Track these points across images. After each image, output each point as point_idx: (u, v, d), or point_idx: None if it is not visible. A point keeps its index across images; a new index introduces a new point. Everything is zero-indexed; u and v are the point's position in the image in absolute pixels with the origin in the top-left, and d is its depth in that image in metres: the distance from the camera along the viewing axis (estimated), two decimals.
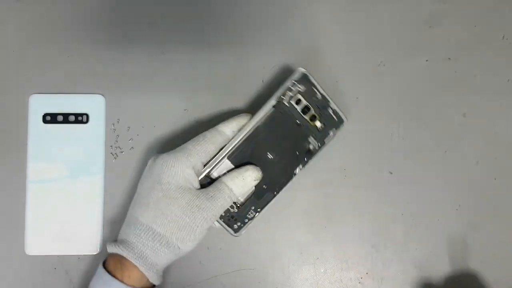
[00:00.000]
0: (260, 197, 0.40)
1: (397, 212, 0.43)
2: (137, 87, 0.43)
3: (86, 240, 0.41)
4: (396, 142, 0.44)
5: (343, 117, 0.40)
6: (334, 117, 0.40)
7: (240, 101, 0.43)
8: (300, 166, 0.40)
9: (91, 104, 0.42)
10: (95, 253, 0.42)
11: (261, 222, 0.43)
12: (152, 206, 0.34)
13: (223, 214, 0.39)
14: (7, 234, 0.42)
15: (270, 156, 0.40)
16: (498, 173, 0.44)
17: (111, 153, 0.43)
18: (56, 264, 0.42)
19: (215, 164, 0.38)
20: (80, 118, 0.42)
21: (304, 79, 0.39)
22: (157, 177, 0.35)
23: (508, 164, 0.44)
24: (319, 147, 0.40)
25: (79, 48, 0.43)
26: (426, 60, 0.45)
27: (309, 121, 0.40)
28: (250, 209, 0.40)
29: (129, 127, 0.43)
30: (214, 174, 0.38)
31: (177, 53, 0.43)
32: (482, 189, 0.44)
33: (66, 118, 0.42)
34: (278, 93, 0.39)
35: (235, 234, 0.40)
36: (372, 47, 0.44)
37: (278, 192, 0.40)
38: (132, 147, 0.43)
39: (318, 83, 0.39)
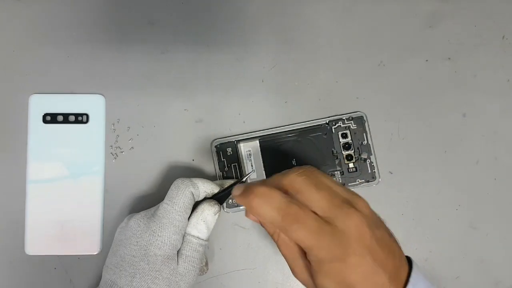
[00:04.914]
0: None
1: (397, 212, 0.43)
2: (137, 87, 0.43)
3: (86, 240, 0.41)
4: (396, 142, 0.44)
5: (377, 175, 0.42)
6: (369, 169, 0.41)
7: (240, 101, 0.43)
8: None
9: (91, 104, 0.42)
10: (95, 253, 0.41)
11: None
12: (138, 279, 0.34)
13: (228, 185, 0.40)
14: (7, 234, 0.42)
15: (294, 162, 0.41)
16: (498, 173, 0.44)
17: (111, 153, 0.43)
18: (56, 264, 0.42)
19: (247, 140, 0.41)
20: (80, 118, 0.42)
21: (360, 121, 0.41)
22: (145, 248, 0.34)
23: (508, 164, 0.44)
24: None
25: (79, 48, 0.43)
26: (426, 60, 0.45)
27: (344, 158, 0.41)
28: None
29: (129, 127, 0.43)
30: (241, 145, 0.41)
31: (177, 53, 0.43)
32: (482, 189, 0.44)
33: (66, 118, 0.42)
34: (332, 117, 0.42)
35: (225, 209, 0.41)
36: (372, 47, 0.44)
37: None
38: (132, 147, 0.43)
39: (370, 132, 0.41)
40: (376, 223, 0.29)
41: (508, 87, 0.45)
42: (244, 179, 0.40)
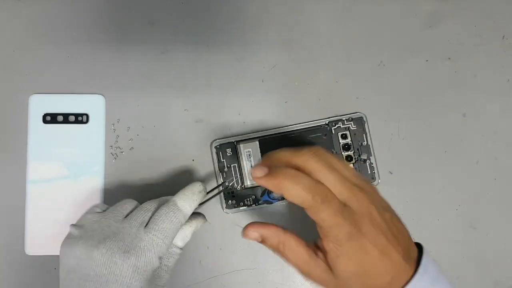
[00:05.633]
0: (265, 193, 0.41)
1: (397, 212, 0.43)
2: (137, 87, 0.43)
3: None
4: (396, 142, 0.44)
5: (376, 176, 0.42)
6: (369, 170, 0.42)
7: (240, 101, 0.43)
8: None
9: (91, 104, 0.42)
10: None
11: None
12: None
13: (227, 185, 0.41)
14: (7, 234, 0.42)
15: None
16: (498, 173, 0.44)
17: (111, 153, 0.43)
18: (56, 264, 0.42)
19: (246, 141, 0.41)
20: (80, 118, 0.42)
21: (360, 122, 0.41)
22: (128, 285, 0.31)
23: (508, 164, 0.44)
24: None
25: (79, 48, 0.43)
26: (426, 60, 0.45)
27: (344, 158, 0.42)
28: (251, 197, 0.41)
29: (129, 127, 0.43)
30: (240, 146, 0.41)
31: (177, 53, 0.43)
32: (482, 189, 0.44)
33: (66, 118, 0.42)
34: (332, 118, 0.42)
35: (224, 210, 0.41)
36: (372, 47, 0.44)
37: (282, 199, 0.41)
38: (132, 147, 0.43)
39: (370, 132, 0.41)
40: (383, 207, 0.31)
41: (508, 87, 0.45)
42: (215, 190, 0.40)
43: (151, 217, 0.34)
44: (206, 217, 0.39)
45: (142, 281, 0.31)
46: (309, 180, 0.29)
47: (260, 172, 0.30)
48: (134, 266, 0.31)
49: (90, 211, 0.36)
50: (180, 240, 0.36)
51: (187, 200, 0.34)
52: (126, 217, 0.34)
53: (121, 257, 0.31)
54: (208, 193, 0.37)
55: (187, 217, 0.34)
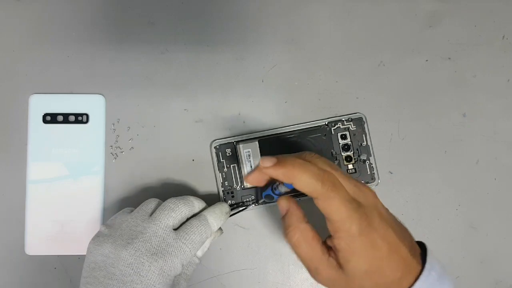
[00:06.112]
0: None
1: (397, 212, 0.43)
2: (137, 87, 0.43)
3: (86, 240, 0.41)
4: (396, 142, 0.44)
5: (376, 176, 0.42)
6: (368, 171, 0.42)
7: (240, 101, 0.43)
8: None
9: (91, 104, 0.42)
10: None
11: (261, 222, 0.43)
12: None
13: (226, 184, 0.41)
14: (7, 234, 0.42)
15: None
16: (498, 173, 0.44)
17: (111, 153, 0.43)
18: (56, 264, 0.42)
19: (246, 141, 0.41)
20: (80, 118, 0.42)
21: (359, 122, 0.41)
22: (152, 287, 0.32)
23: (508, 164, 0.44)
24: None
25: (79, 48, 0.43)
26: (426, 60, 0.45)
27: (344, 159, 0.41)
28: (250, 197, 0.41)
29: (129, 127, 0.43)
30: (240, 146, 0.40)
31: (177, 53, 0.43)
32: (482, 189, 0.44)
33: (66, 118, 0.42)
34: (332, 119, 0.42)
35: None
36: (372, 47, 0.44)
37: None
38: (132, 147, 0.43)
39: (369, 133, 0.42)
40: (384, 206, 0.32)
41: (508, 87, 0.45)
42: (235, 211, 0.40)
43: (180, 225, 0.35)
44: (218, 243, 0.39)
45: (165, 285, 0.32)
46: (317, 168, 0.29)
47: (269, 162, 0.31)
48: (161, 269, 0.32)
49: (120, 213, 0.36)
50: (200, 250, 0.37)
51: (216, 218, 0.36)
52: (151, 215, 0.35)
53: (149, 259, 0.32)
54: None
55: (213, 233, 0.36)
